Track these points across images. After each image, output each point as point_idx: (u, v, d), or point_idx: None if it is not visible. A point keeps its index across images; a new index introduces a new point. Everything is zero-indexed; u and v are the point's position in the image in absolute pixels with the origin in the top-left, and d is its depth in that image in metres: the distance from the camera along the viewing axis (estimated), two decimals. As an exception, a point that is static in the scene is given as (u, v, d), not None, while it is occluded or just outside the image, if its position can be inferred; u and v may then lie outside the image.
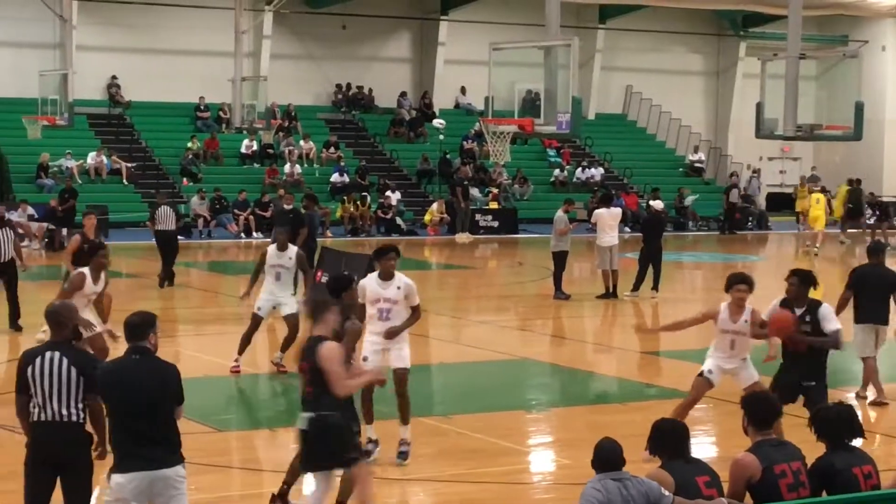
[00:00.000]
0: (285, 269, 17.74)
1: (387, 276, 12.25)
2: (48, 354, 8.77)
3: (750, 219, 49.01)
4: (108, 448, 8.83)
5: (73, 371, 8.70)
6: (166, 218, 27.93)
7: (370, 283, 12.33)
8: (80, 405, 8.72)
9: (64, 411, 8.68)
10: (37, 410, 8.73)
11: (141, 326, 8.59)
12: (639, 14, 52.14)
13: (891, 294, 16.02)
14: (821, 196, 40.40)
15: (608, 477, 7.92)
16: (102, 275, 15.33)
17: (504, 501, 11.82)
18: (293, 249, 17.90)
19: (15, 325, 20.52)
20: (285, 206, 24.34)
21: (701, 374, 13.17)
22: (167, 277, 27.49)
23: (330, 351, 9.52)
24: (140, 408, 8.31)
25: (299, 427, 9.82)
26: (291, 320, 17.54)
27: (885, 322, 16.20)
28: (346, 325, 10.56)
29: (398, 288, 12.21)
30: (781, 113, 27.22)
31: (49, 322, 9.08)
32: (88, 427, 8.91)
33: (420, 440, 13.85)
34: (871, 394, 16.14)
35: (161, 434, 8.35)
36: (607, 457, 8.02)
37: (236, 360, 17.39)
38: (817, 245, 37.63)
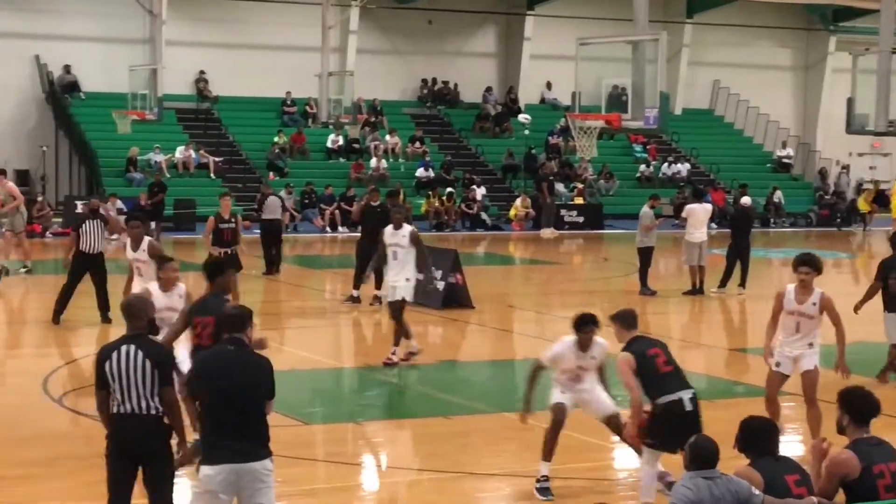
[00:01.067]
0: (400, 247, 17.87)
1: (584, 347, 11.67)
2: (124, 348, 8.78)
3: (839, 215, 48.44)
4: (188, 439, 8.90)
5: (148, 363, 8.70)
6: (275, 208, 29.22)
7: (566, 351, 11.75)
8: (157, 398, 8.72)
9: (142, 404, 8.69)
10: (116, 404, 8.76)
11: (239, 318, 8.62)
12: (727, 8, 51.73)
13: None
14: None
15: (700, 475, 7.84)
16: (177, 289, 13.49)
17: (590, 497, 11.75)
18: (408, 228, 18.06)
19: (105, 317, 20.70)
20: (372, 203, 24.39)
21: (770, 369, 13.14)
22: (275, 264, 28.48)
23: None
24: (232, 399, 8.30)
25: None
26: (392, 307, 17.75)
27: None
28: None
29: (592, 358, 11.77)
30: (873, 108, 26.87)
31: (124, 315, 9.11)
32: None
33: (505, 435, 13.85)
34: None
35: (251, 427, 8.33)
36: (703, 455, 7.93)
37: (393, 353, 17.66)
38: None
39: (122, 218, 36.37)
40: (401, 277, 17.83)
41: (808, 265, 12.95)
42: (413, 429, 14.45)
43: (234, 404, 8.30)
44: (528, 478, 11.93)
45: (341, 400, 16.78)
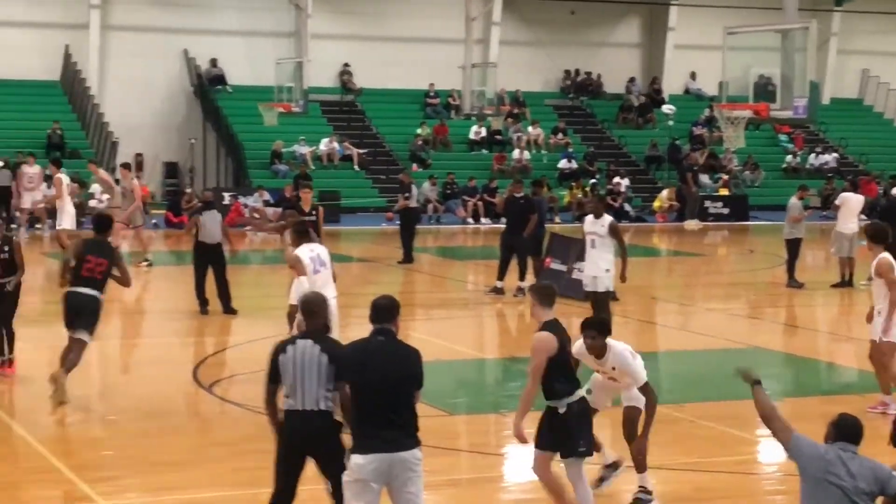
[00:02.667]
0: (598, 236, 17.88)
1: (595, 354, 10.48)
2: (300, 343, 8.80)
3: None
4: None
5: (325, 359, 8.71)
6: (416, 197, 30.38)
7: (582, 352, 10.52)
8: (329, 394, 8.71)
9: (315, 398, 8.70)
10: (289, 399, 8.78)
11: (388, 309, 8.58)
12: (877, -5, 50.67)
13: None
14: None
15: (836, 446, 7.77)
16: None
17: (737, 491, 11.61)
18: (607, 218, 18.15)
19: (228, 308, 20.78)
20: (515, 194, 24.34)
21: None
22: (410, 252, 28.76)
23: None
24: (383, 389, 8.31)
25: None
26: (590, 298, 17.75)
27: None
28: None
29: (613, 368, 10.60)
30: None
31: (303, 311, 9.14)
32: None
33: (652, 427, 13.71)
34: None
35: (401, 416, 8.34)
36: (845, 426, 7.85)
37: None
38: None
39: (270, 210, 37.09)
40: (600, 268, 17.94)
41: None
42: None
43: (385, 394, 8.31)
44: (675, 470, 11.82)
45: (485, 391, 16.79)
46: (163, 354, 18.21)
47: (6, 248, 15.25)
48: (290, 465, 8.83)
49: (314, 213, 20.11)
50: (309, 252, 14.51)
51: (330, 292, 14.03)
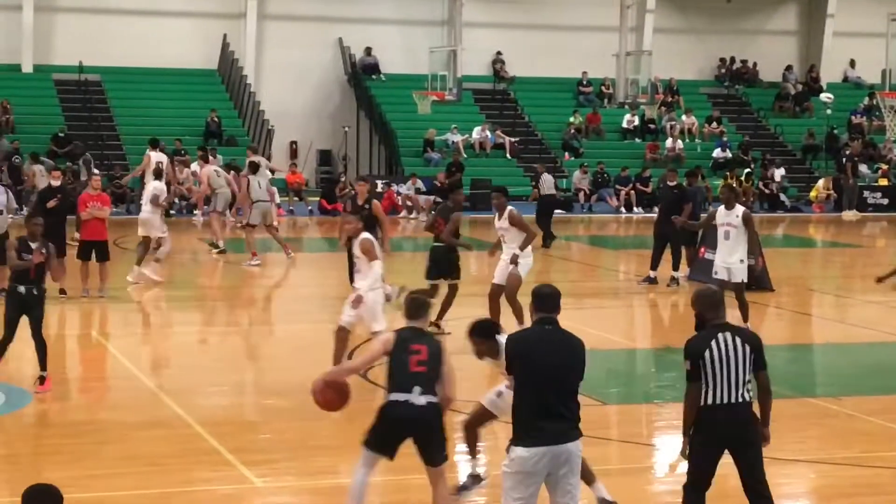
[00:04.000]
0: (732, 227, 17.80)
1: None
2: (721, 336, 8.64)
3: None
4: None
5: (748, 348, 8.63)
6: (550, 185, 30.86)
7: None
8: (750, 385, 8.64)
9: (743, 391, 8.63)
10: (710, 395, 8.65)
11: (552, 297, 8.42)
12: None
13: None
14: None
15: None
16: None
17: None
18: (740, 208, 18.01)
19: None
20: (669, 182, 24.11)
21: None
22: (550, 237, 29.30)
23: None
24: (549, 380, 8.14)
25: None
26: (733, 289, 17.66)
27: None
28: None
29: None
30: None
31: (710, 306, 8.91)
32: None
33: (809, 421, 13.52)
34: None
35: (567, 407, 8.18)
36: None
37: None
38: None
39: (423, 198, 37.26)
40: (734, 258, 17.82)
41: None
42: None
43: (551, 385, 8.15)
44: (834, 465, 11.61)
45: (638, 381, 16.67)
46: (316, 340, 18.35)
47: (43, 251, 14.14)
48: (711, 459, 8.80)
49: (367, 206, 19.86)
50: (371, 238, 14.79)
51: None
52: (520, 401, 8.27)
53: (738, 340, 8.63)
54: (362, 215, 16.98)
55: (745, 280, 18.10)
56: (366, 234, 14.67)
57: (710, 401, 8.60)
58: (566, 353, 8.28)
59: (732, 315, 18.07)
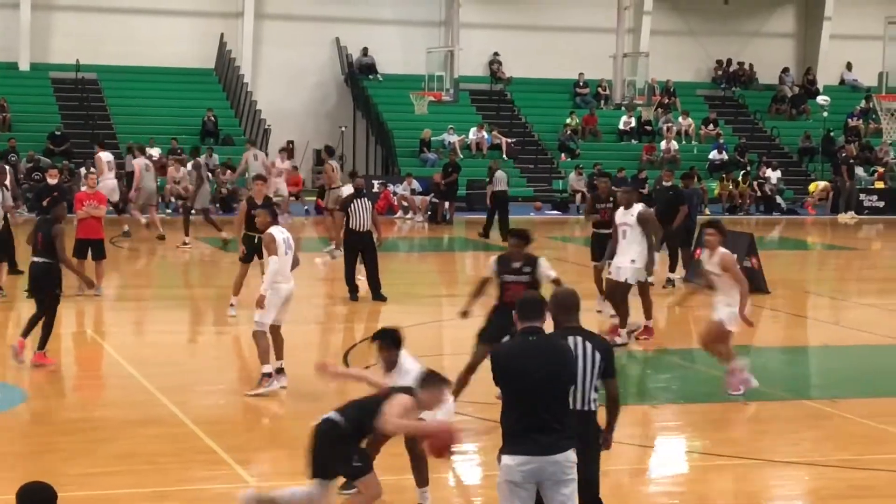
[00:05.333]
0: (628, 226, 17.59)
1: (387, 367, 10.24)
2: (570, 340, 8.53)
3: None
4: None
5: (598, 355, 8.52)
6: (502, 180, 32.83)
7: None
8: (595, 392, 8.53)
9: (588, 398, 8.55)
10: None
11: (533, 305, 8.24)
12: None
13: None
14: None
15: None
16: None
17: (892, 490, 11.34)
18: (637, 208, 17.69)
19: (378, 295, 20.89)
20: (664, 183, 24.13)
21: None
22: (501, 230, 30.28)
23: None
24: (533, 391, 7.97)
25: None
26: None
27: None
28: None
29: None
30: None
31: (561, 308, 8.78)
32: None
33: (804, 423, 13.53)
34: None
35: (553, 418, 7.99)
36: None
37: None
38: None
39: (419, 198, 37.28)
40: (625, 258, 17.45)
41: None
42: (707, 413, 14.21)
43: (539, 397, 7.97)
44: (829, 467, 11.62)
45: (632, 382, 16.66)
46: (313, 340, 18.41)
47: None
48: None
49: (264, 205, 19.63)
50: (280, 234, 14.61)
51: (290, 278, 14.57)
52: (508, 412, 8.13)
53: (588, 346, 8.48)
54: (271, 209, 16.95)
55: (630, 281, 17.56)
56: (270, 229, 14.59)
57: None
58: (553, 363, 8.05)
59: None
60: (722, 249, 14.42)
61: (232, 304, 19.38)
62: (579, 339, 8.49)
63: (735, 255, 15.16)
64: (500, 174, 33.23)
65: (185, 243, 28.35)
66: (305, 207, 38.25)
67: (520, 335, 8.23)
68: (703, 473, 12.00)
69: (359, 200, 21.18)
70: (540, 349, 8.10)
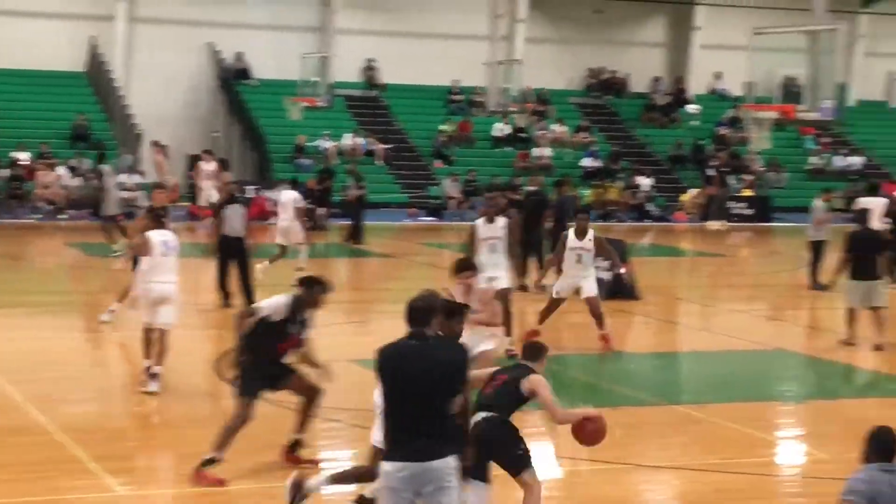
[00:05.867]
0: (497, 239, 17.64)
1: None
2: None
3: None
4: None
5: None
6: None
7: None
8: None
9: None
10: None
11: (423, 311, 8.21)
12: (905, -2, 50.55)
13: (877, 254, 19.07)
14: None
15: (878, 468, 7.58)
16: None
17: (758, 493, 11.59)
18: (502, 220, 17.71)
19: (251, 302, 20.66)
20: (529, 188, 24.39)
21: None
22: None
23: None
24: (413, 396, 7.96)
25: None
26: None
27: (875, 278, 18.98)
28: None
29: None
30: None
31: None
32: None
33: (673, 428, 13.72)
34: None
35: (433, 424, 7.99)
36: (882, 445, 7.63)
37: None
38: None
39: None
40: (500, 270, 17.47)
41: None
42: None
43: (417, 401, 7.97)
44: (698, 471, 11.80)
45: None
46: (184, 347, 18.20)
47: None
48: None
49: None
50: (160, 236, 14.98)
51: (171, 277, 14.87)
52: (387, 415, 8.14)
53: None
54: (155, 214, 16.94)
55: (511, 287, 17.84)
56: (149, 232, 15.04)
57: None
58: (435, 369, 8.02)
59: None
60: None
61: (112, 310, 19.13)
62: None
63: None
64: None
65: (114, 252, 26.92)
66: (180, 213, 37.83)
67: (406, 338, 8.20)
68: (572, 478, 12.11)
69: (231, 206, 21.10)
70: (423, 355, 8.07)
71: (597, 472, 12.10)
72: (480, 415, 9.56)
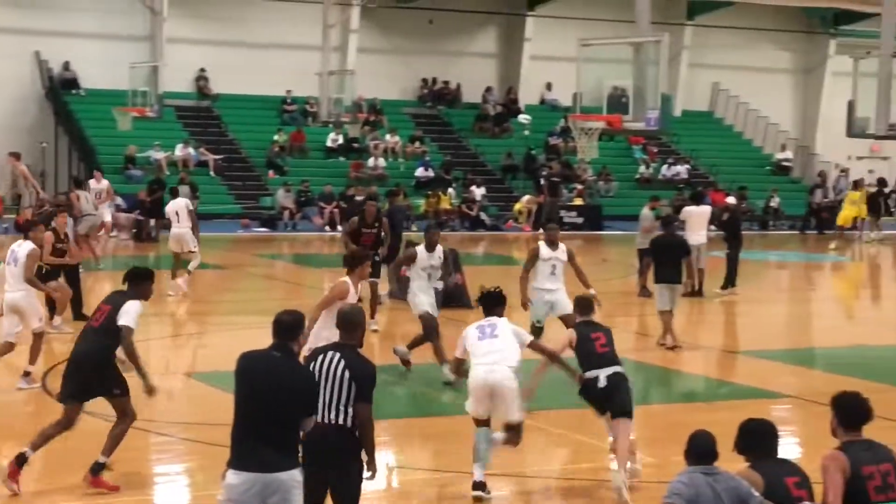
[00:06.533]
0: (435, 268, 17.77)
1: None
2: (329, 354, 8.71)
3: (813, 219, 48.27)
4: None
5: (347, 374, 8.60)
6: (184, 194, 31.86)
7: None
8: (350, 410, 8.58)
9: (332, 415, 8.60)
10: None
11: (290, 325, 8.32)
12: (727, 11, 51.83)
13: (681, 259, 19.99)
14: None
15: (699, 471, 7.81)
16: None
17: (590, 498, 11.77)
18: (440, 248, 17.91)
19: (79, 315, 20.21)
20: (357, 197, 24.51)
21: None
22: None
23: None
24: (267, 407, 8.02)
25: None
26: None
27: (679, 282, 20.05)
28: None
29: None
30: (873, 111, 26.93)
31: (340, 324, 8.97)
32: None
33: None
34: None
35: (281, 437, 8.04)
36: (700, 448, 7.89)
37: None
38: None
39: (124, 215, 36.59)
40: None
41: None
42: (411, 428, 14.46)
43: (268, 411, 8.01)
44: (528, 478, 11.94)
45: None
46: (9, 361, 17.87)
47: None
48: (310, 480, 8.37)
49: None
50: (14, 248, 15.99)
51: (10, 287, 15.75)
52: (237, 422, 8.16)
53: (341, 363, 8.64)
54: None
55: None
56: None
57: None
58: (289, 383, 8.12)
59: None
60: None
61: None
62: (337, 355, 8.67)
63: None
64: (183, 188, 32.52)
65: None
66: (5, 226, 37.03)
67: (269, 349, 8.30)
68: (406, 487, 12.17)
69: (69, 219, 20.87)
70: (280, 368, 8.16)
71: (429, 480, 12.18)
72: (612, 369, 11.95)
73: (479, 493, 11.19)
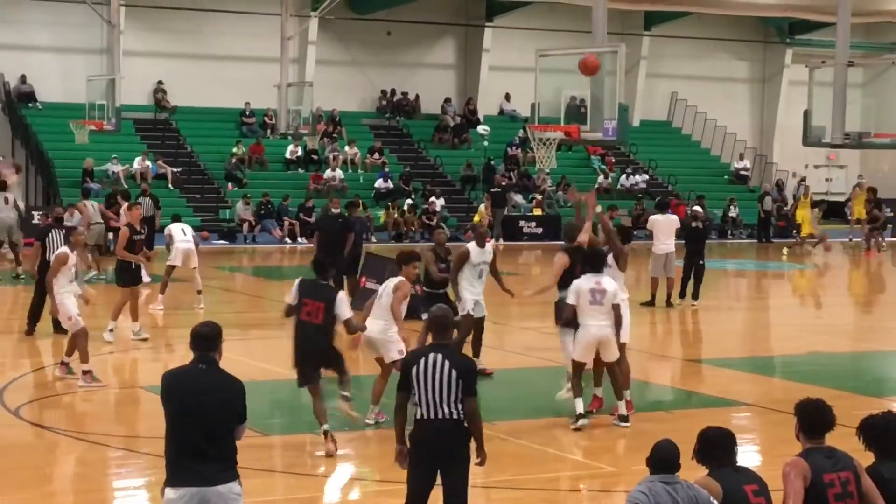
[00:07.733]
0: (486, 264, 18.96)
1: None
2: (431, 356, 9.12)
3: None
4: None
5: (455, 373, 9.05)
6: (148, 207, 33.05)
7: None
8: (459, 406, 9.08)
9: (445, 410, 9.05)
10: (418, 409, 9.14)
11: (210, 337, 8.34)
12: (684, 21, 52.06)
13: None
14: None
15: (659, 479, 7.83)
16: None
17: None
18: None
19: (61, 328, 20.35)
20: (333, 210, 24.40)
21: None
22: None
23: None
24: (198, 420, 8.03)
25: None
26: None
27: None
28: None
29: None
30: (829, 120, 27.10)
31: (433, 328, 9.51)
32: None
33: (463, 446, 13.83)
34: None
35: (217, 449, 8.04)
36: (662, 457, 7.90)
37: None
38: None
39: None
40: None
41: None
42: (370, 439, 14.43)
43: (200, 425, 8.03)
44: (488, 488, 11.93)
45: (300, 411, 16.71)
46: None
47: None
48: (419, 475, 9.16)
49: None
50: None
51: None
52: (171, 440, 8.16)
53: (446, 363, 9.05)
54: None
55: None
56: None
57: (417, 416, 9.13)
58: (218, 394, 8.16)
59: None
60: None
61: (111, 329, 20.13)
62: (439, 356, 9.09)
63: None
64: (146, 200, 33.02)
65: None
66: None
67: (192, 363, 8.33)
68: (373, 499, 12.16)
69: (56, 231, 20.69)
70: (208, 380, 8.19)
71: (396, 491, 12.15)
72: None
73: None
